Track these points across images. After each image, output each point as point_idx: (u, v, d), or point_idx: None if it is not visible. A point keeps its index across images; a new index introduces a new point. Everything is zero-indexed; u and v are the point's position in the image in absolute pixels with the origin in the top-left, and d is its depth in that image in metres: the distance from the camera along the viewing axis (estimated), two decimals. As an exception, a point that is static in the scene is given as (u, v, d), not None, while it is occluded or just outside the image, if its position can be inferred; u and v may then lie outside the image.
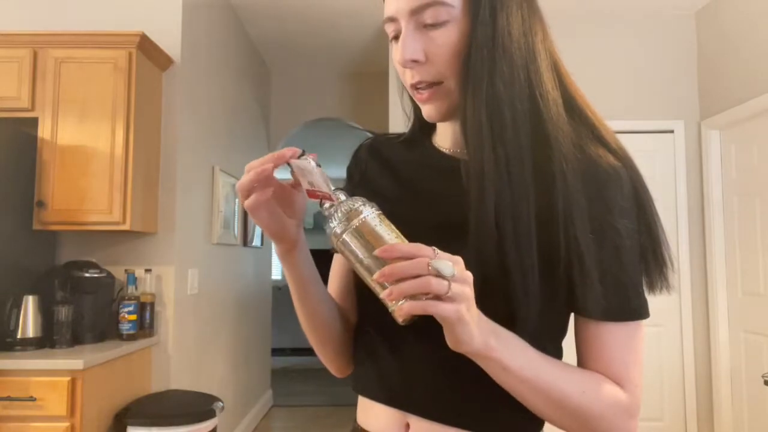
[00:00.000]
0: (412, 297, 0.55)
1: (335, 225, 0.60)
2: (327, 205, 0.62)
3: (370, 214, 0.60)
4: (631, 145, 0.76)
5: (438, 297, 0.55)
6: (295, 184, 0.68)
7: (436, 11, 0.67)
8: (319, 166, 0.64)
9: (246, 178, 0.65)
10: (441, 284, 0.54)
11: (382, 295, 0.57)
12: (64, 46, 2.41)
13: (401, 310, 0.56)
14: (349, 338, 0.83)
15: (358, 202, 0.61)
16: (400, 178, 0.81)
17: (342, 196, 0.62)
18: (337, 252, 0.63)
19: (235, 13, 3.75)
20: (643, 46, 3.64)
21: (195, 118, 3.00)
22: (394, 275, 0.55)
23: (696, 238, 3.54)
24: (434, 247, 0.56)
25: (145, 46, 2.49)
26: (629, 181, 0.69)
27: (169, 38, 2.75)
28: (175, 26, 2.79)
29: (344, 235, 0.60)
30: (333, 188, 0.63)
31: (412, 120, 0.84)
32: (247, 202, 0.66)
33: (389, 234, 0.59)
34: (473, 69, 0.67)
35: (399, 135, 0.87)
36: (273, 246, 0.77)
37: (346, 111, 4.96)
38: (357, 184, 0.84)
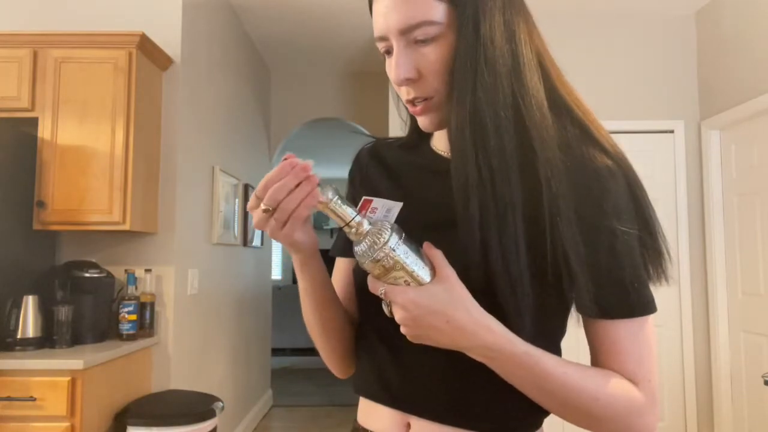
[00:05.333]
0: None
1: (366, 250, 0.64)
2: (353, 230, 0.64)
3: (392, 248, 0.63)
4: (631, 145, 0.77)
5: None
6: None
7: (425, 29, 0.67)
8: (337, 194, 0.65)
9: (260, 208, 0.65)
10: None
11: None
12: (64, 46, 2.41)
13: None
14: (350, 345, 0.84)
15: (384, 236, 0.63)
16: (398, 179, 0.81)
17: (365, 225, 0.64)
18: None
19: (235, 13, 3.75)
20: (643, 46, 3.64)
21: (195, 118, 3.00)
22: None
23: (696, 237, 3.53)
24: (380, 288, 0.64)
25: (145, 46, 2.49)
26: (623, 178, 0.68)
27: (169, 38, 2.75)
28: (175, 26, 2.79)
29: (368, 262, 0.64)
30: (354, 215, 0.64)
31: (409, 126, 0.85)
32: (270, 230, 0.66)
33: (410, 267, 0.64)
34: (458, 81, 0.67)
35: (398, 139, 0.88)
36: (273, 247, 0.77)
37: (346, 111, 4.96)
38: (358, 186, 0.86)
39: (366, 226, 0.64)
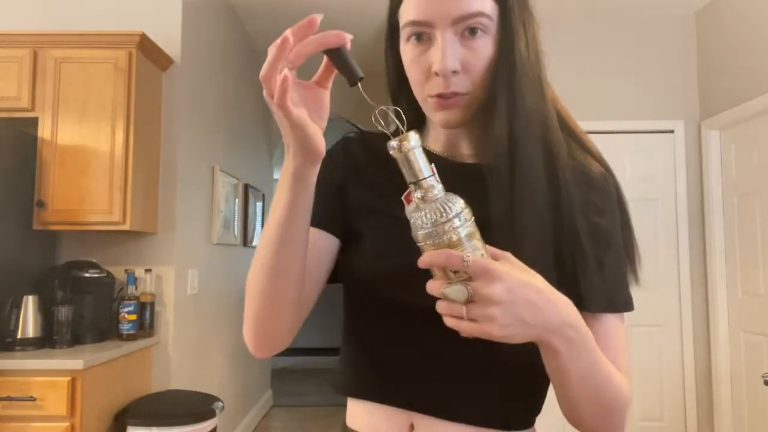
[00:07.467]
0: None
1: (427, 221, 0.56)
2: (422, 193, 0.57)
3: (457, 224, 0.56)
4: (631, 145, 0.81)
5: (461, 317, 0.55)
6: (322, 80, 0.64)
7: (480, 20, 0.67)
8: (420, 146, 0.57)
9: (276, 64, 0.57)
10: (454, 309, 0.55)
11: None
12: (64, 46, 2.41)
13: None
14: (294, 309, 0.71)
15: (454, 206, 0.56)
16: (396, 176, 0.80)
17: (437, 191, 0.57)
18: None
19: (235, 13, 3.75)
20: (643, 46, 3.64)
21: (195, 118, 3.00)
22: (430, 290, 0.57)
23: (696, 238, 3.53)
24: (464, 256, 0.53)
25: (145, 46, 2.49)
26: (613, 185, 0.75)
27: (169, 38, 2.75)
28: (175, 26, 2.79)
29: (427, 238, 0.57)
30: (430, 174, 0.57)
31: (406, 125, 0.82)
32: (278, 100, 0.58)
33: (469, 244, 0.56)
34: (500, 80, 0.68)
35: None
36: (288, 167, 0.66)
37: (346, 111, 4.95)
38: (340, 170, 0.80)
39: (437, 192, 0.56)
